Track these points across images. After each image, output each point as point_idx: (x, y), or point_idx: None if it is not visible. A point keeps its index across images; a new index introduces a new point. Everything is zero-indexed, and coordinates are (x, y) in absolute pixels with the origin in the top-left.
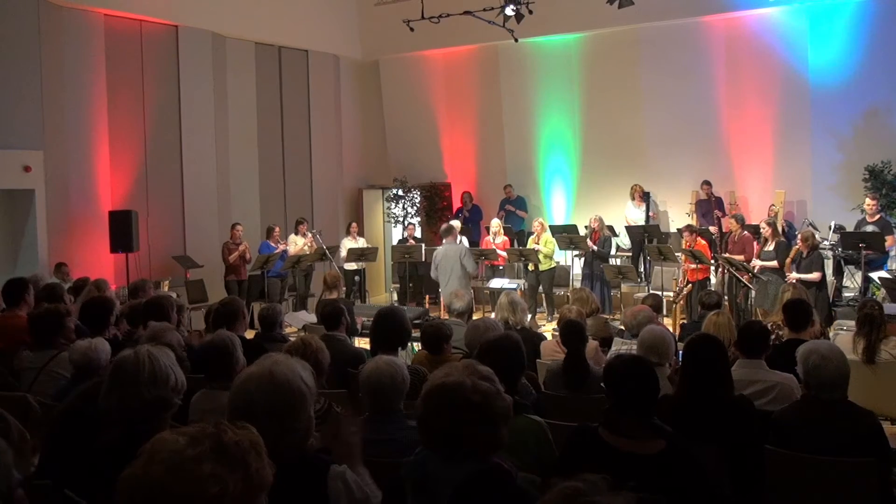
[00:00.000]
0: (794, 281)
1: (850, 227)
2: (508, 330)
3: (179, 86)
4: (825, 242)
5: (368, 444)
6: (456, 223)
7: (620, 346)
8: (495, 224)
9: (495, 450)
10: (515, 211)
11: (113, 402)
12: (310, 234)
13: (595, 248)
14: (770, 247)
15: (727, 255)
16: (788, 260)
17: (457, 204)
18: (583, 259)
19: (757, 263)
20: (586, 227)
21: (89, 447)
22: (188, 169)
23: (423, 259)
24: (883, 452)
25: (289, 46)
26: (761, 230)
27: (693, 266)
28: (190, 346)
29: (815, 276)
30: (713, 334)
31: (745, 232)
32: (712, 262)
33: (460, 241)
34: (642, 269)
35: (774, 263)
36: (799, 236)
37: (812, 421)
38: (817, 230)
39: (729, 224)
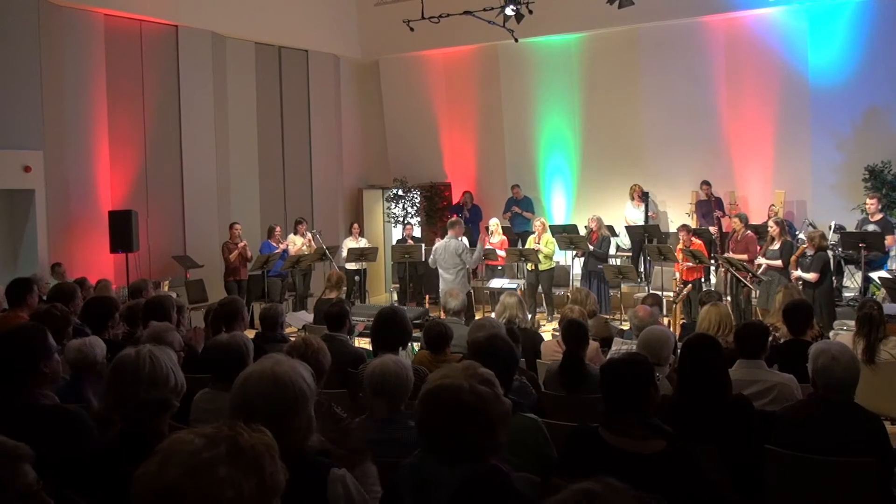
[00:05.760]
0: (793, 280)
1: (850, 227)
2: (512, 329)
3: (179, 86)
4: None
5: (370, 444)
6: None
7: (620, 346)
8: (493, 223)
9: (493, 453)
10: (522, 213)
11: (111, 401)
12: (309, 234)
13: (592, 248)
14: (776, 245)
15: (728, 254)
16: (794, 258)
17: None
18: (582, 259)
19: (762, 262)
20: (586, 226)
21: (88, 447)
22: (188, 169)
23: (423, 259)
24: (885, 455)
25: (289, 46)
26: (769, 229)
27: (690, 265)
28: (190, 345)
29: (811, 276)
30: (709, 333)
31: (749, 231)
32: (711, 261)
33: (461, 240)
34: (642, 269)
35: (779, 263)
36: (805, 236)
37: (816, 421)
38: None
39: (731, 224)
